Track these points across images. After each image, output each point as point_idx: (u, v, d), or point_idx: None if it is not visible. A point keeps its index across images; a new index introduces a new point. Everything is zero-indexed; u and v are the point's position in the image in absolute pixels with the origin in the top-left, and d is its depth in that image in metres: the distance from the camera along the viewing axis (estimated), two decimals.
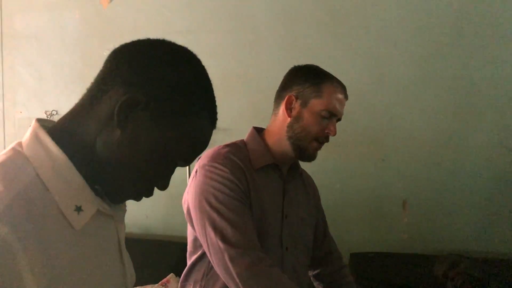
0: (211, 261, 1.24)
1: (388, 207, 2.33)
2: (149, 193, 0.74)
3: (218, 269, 1.22)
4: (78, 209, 0.67)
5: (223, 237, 1.19)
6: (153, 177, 0.72)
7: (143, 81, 0.68)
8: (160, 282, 2.14)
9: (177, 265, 2.25)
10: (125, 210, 0.80)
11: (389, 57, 2.31)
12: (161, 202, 2.63)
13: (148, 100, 0.68)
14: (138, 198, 0.74)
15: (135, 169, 0.70)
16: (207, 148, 0.78)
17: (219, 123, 2.82)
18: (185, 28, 2.52)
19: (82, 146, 0.69)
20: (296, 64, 1.44)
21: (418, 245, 2.27)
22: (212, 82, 0.75)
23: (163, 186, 0.74)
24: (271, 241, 1.33)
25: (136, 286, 2.15)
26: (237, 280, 1.16)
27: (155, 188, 0.75)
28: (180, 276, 2.19)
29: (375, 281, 2.07)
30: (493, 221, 2.22)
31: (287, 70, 1.44)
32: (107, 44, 2.56)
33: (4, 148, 2.70)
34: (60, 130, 0.70)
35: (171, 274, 2.19)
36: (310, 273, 1.60)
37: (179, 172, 2.58)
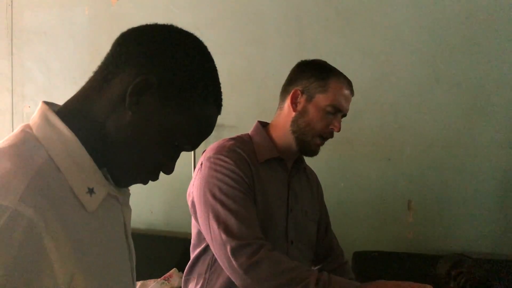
0: (214, 253, 1.24)
1: (393, 207, 2.32)
2: (155, 177, 0.75)
3: (220, 261, 1.22)
4: (91, 191, 0.67)
5: (226, 229, 1.19)
6: (160, 160, 0.73)
7: (155, 64, 0.69)
8: (162, 277, 2.15)
9: (180, 260, 2.26)
10: (129, 194, 0.80)
11: (397, 56, 2.30)
12: (166, 198, 2.65)
13: (160, 83, 0.68)
14: (144, 182, 0.74)
15: (144, 151, 0.70)
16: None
17: (225, 121, 2.82)
18: (192, 25, 2.51)
19: (92, 128, 0.69)
20: None
21: (422, 246, 2.26)
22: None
23: (169, 170, 0.75)
24: (276, 234, 1.33)
25: (139, 280, 2.17)
26: (239, 271, 1.16)
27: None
28: (182, 271, 2.20)
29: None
30: (498, 222, 2.20)
31: None
32: None
33: None
34: (69, 112, 0.70)
35: (174, 269, 2.20)
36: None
37: (184, 168, 2.61)
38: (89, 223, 0.66)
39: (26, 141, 0.65)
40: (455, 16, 2.22)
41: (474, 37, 2.20)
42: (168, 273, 2.17)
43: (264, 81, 2.47)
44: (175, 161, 0.76)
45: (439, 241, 2.25)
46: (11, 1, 2.88)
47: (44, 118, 0.67)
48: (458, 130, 2.24)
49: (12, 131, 2.79)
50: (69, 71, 2.81)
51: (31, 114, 2.77)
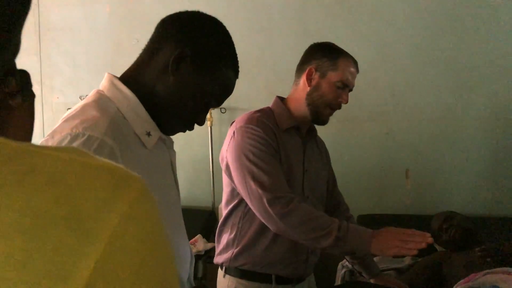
0: (251, 206, 1.49)
1: (393, 176, 2.59)
2: (191, 127, 0.99)
3: (257, 212, 1.47)
4: (148, 133, 0.92)
5: (261, 185, 1.44)
6: (195, 114, 0.96)
7: (189, 40, 0.92)
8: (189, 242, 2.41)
9: (203, 228, 2.53)
10: (173, 141, 1.05)
11: (393, 40, 2.56)
12: (186, 177, 2.90)
13: (193, 54, 0.91)
14: (184, 130, 0.99)
15: (182, 106, 0.94)
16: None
17: (238, 104, 3.10)
18: None
19: (145, 89, 0.93)
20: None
21: (419, 209, 2.51)
22: None
23: (202, 121, 0.99)
24: (295, 191, 1.57)
25: None
26: (276, 218, 1.42)
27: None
28: (206, 237, 2.46)
29: None
30: (488, 187, 2.46)
31: (299, 54, 1.68)
32: (135, 34, 2.83)
33: (43, 131, 2.93)
34: (127, 79, 0.94)
35: (199, 235, 2.47)
36: None
37: (202, 148, 2.84)
38: (148, 157, 0.92)
39: (102, 99, 0.90)
40: (444, 3, 2.47)
41: (461, 20, 2.45)
42: (193, 239, 2.43)
43: (272, 67, 2.72)
44: (205, 115, 1.00)
45: (434, 205, 2.51)
46: (38, 1, 3.13)
47: (111, 83, 0.92)
48: (449, 105, 2.49)
49: (42, 120, 3.04)
50: (93, 64, 3.07)
51: (60, 104, 3.06)
